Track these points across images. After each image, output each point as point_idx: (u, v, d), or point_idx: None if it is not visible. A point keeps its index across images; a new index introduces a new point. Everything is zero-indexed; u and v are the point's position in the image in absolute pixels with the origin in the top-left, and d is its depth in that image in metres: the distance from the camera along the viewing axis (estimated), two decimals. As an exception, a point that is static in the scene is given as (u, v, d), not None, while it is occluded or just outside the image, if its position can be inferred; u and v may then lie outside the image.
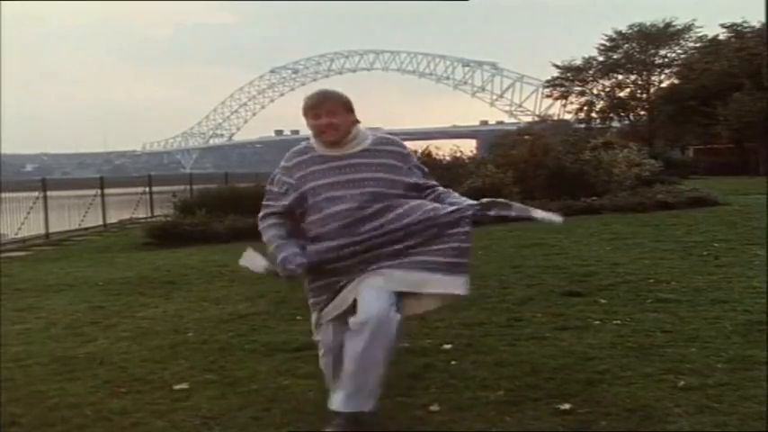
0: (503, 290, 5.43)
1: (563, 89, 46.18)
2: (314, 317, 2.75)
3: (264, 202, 2.73)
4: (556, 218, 2.77)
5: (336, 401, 2.58)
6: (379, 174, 2.58)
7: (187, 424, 2.91)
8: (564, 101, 48.02)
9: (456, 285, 2.65)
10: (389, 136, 2.74)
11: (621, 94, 44.05)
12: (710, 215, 10.70)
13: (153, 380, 3.52)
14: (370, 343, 2.47)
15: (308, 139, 2.76)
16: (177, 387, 3.37)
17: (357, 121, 2.67)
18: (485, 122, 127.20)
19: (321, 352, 2.79)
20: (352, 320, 2.52)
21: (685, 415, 2.78)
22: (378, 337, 2.47)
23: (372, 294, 2.52)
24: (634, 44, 42.82)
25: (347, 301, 2.60)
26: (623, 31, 42.75)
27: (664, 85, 42.60)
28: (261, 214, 2.74)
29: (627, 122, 43.84)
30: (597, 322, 4.30)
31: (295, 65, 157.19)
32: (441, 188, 2.78)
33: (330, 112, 2.60)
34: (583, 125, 41.95)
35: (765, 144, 30.14)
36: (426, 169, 2.79)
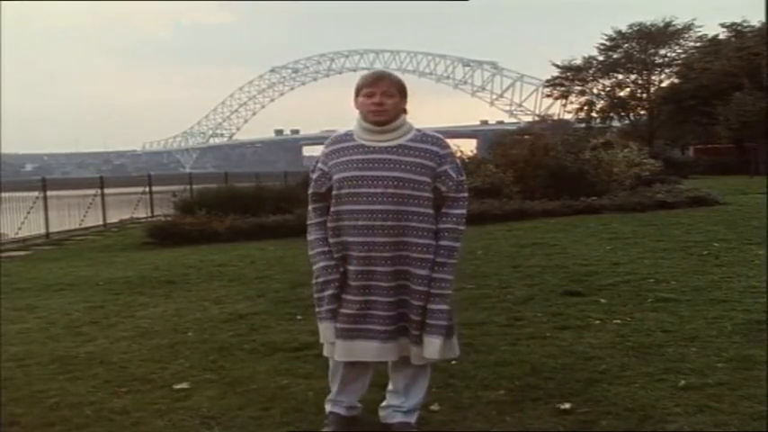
0: (503, 289, 5.43)
1: (563, 89, 46.10)
2: (322, 329, 2.63)
3: (309, 191, 2.68)
4: None
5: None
6: (406, 174, 2.47)
7: (187, 423, 2.92)
8: (564, 100, 47.96)
9: (453, 349, 2.66)
10: (433, 134, 2.60)
11: (621, 94, 43.98)
12: (710, 215, 10.69)
13: (153, 379, 3.52)
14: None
15: (347, 131, 2.65)
16: (177, 387, 3.38)
17: (406, 111, 2.59)
18: (485, 122, 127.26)
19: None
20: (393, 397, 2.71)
21: (685, 414, 2.78)
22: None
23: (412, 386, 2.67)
24: (634, 44, 42.75)
25: (366, 355, 2.54)
26: (623, 31, 42.69)
27: (664, 84, 42.54)
28: (309, 209, 2.69)
29: (627, 122, 43.78)
30: (597, 322, 4.30)
31: (295, 64, 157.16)
32: (448, 221, 2.58)
33: (386, 92, 2.52)
34: (583, 125, 41.89)
35: (765, 144, 30.11)
36: (462, 177, 2.59)
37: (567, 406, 2.91)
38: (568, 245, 7.96)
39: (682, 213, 11.06)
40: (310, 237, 2.64)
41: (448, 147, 2.59)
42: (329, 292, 2.55)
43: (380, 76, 2.58)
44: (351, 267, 2.51)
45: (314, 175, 2.64)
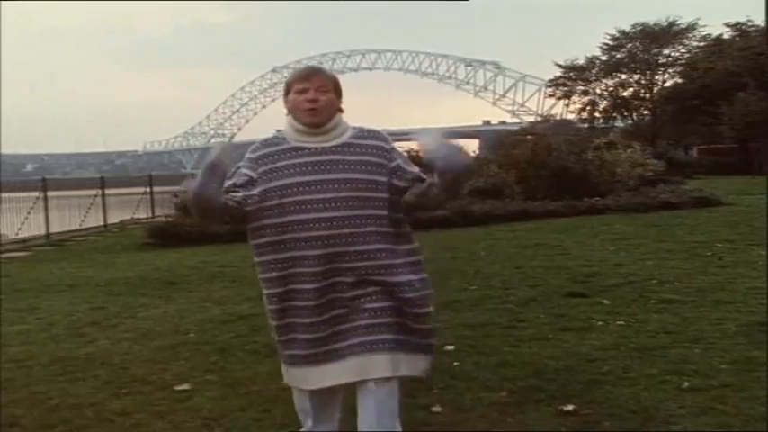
0: (505, 290, 5.42)
1: (566, 89, 45.99)
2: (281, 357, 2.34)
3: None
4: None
5: None
6: (358, 174, 2.20)
7: (188, 425, 2.92)
8: (567, 100, 47.86)
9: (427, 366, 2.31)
10: (371, 128, 2.36)
11: (625, 94, 43.86)
12: (714, 215, 10.66)
13: (154, 380, 3.52)
14: None
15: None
16: (178, 388, 3.38)
17: (342, 110, 2.33)
18: (487, 122, 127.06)
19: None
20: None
21: (689, 416, 2.77)
22: None
23: (377, 410, 2.18)
24: (637, 43, 42.62)
25: (324, 380, 2.23)
26: (626, 31, 42.58)
27: (667, 84, 42.40)
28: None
29: (630, 122, 43.66)
30: (600, 323, 4.28)
31: (297, 64, 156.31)
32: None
33: (320, 88, 2.24)
34: (586, 125, 41.76)
35: (769, 144, 30.05)
36: (410, 167, 2.32)
37: (570, 407, 2.90)
38: (571, 246, 7.94)
39: (685, 214, 11.03)
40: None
41: (390, 141, 2.34)
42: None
43: (313, 70, 2.32)
44: (310, 285, 2.18)
45: (229, 182, 2.20)
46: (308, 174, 2.19)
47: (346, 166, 2.21)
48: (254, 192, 2.20)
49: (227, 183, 2.20)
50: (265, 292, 2.30)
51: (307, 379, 2.27)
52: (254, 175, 2.23)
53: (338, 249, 2.17)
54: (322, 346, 2.21)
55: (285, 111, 2.32)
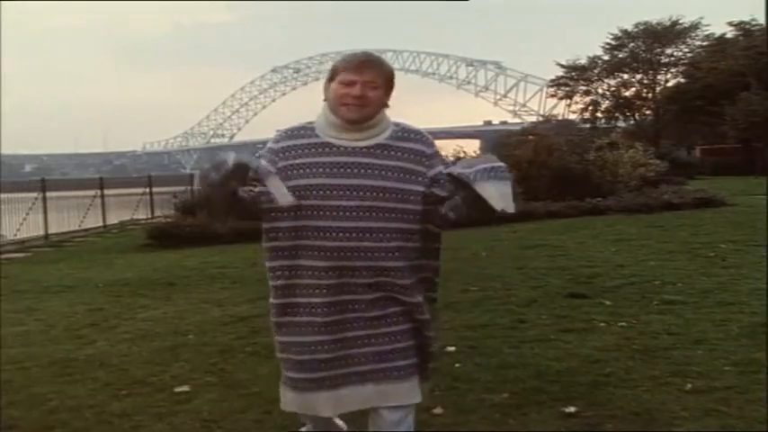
0: (506, 291, 5.40)
1: (567, 89, 46.00)
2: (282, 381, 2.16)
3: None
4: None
5: None
6: (389, 182, 1.95)
7: (188, 427, 2.91)
8: (568, 100, 47.86)
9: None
10: (413, 128, 2.09)
11: (627, 94, 43.86)
12: (717, 216, 10.63)
13: (153, 382, 3.51)
14: None
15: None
16: (178, 389, 3.36)
17: (387, 105, 2.06)
18: (488, 122, 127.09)
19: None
20: None
21: (692, 418, 2.76)
22: None
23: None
24: (640, 43, 42.62)
25: (337, 407, 2.07)
26: (629, 30, 42.58)
27: (670, 84, 42.39)
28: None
29: (632, 122, 43.65)
30: (602, 324, 4.26)
31: (297, 64, 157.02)
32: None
33: (369, 83, 1.97)
34: (588, 125, 41.75)
35: (772, 144, 30.01)
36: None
37: (572, 409, 2.89)
38: (573, 246, 7.92)
39: (688, 214, 11.01)
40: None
41: (434, 144, 2.10)
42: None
43: (368, 60, 1.99)
44: (319, 299, 1.98)
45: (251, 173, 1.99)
46: (332, 176, 1.95)
47: (376, 172, 1.96)
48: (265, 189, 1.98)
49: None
50: (271, 301, 2.11)
51: (315, 405, 2.06)
52: (273, 169, 1.98)
53: (354, 264, 1.95)
54: (333, 368, 2.01)
55: (323, 97, 2.05)
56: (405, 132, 2.05)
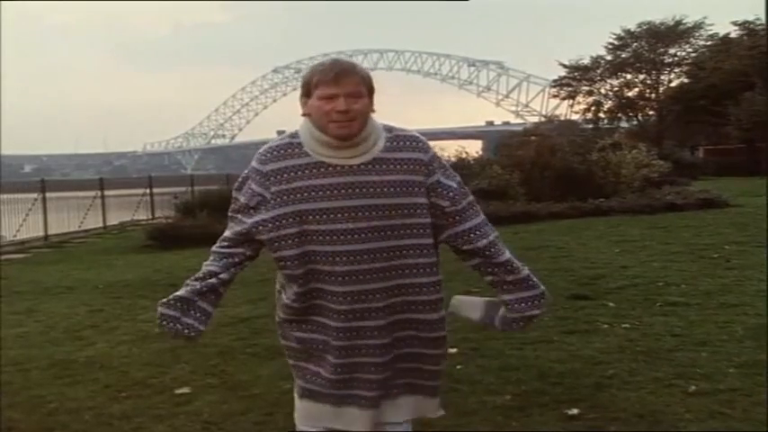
0: (509, 292, 5.36)
1: (570, 89, 45.94)
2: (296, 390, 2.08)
3: (230, 214, 2.00)
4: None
5: None
6: (394, 199, 1.87)
7: (188, 429, 2.90)
8: (571, 101, 47.76)
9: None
10: (407, 134, 1.95)
11: (630, 94, 43.79)
12: (721, 217, 10.59)
13: (154, 384, 3.50)
14: None
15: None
16: (178, 391, 3.36)
17: (373, 110, 1.94)
18: (490, 123, 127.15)
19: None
20: None
21: (696, 421, 2.75)
22: None
23: None
24: (643, 43, 42.53)
25: (348, 425, 1.98)
26: (632, 30, 42.51)
27: (673, 84, 42.31)
28: (226, 232, 2.01)
29: (635, 123, 43.59)
30: (605, 326, 4.25)
31: (298, 64, 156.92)
32: (478, 236, 1.99)
33: (352, 94, 1.84)
34: (590, 125, 41.71)
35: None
36: (456, 177, 2.01)
37: (575, 411, 2.88)
38: (576, 248, 7.90)
39: (691, 215, 10.97)
40: (205, 267, 2.00)
41: (430, 148, 1.97)
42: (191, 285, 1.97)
43: (344, 70, 1.85)
44: (334, 323, 1.92)
45: (242, 198, 1.93)
46: (333, 198, 1.84)
47: (379, 190, 1.86)
48: (268, 216, 1.88)
49: (241, 199, 1.93)
50: (284, 317, 2.05)
51: (321, 416, 2.00)
52: (266, 194, 1.87)
53: (368, 287, 1.87)
54: (344, 389, 1.95)
55: (302, 112, 1.93)
56: (398, 141, 1.93)
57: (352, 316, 1.89)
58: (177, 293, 1.95)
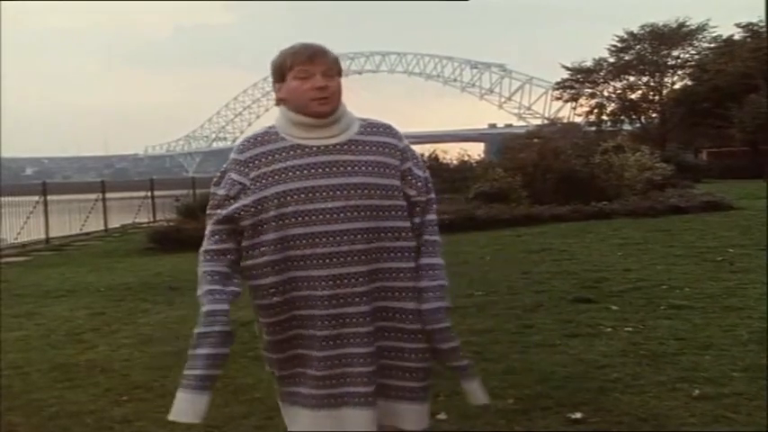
0: (511, 296, 5.36)
1: (573, 91, 45.92)
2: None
3: (208, 211, 1.95)
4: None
5: None
6: (372, 178, 1.85)
7: (189, 433, 2.87)
8: (574, 103, 47.80)
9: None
10: (380, 121, 1.98)
11: (633, 96, 43.75)
12: (724, 220, 10.56)
13: (155, 387, 3.49)
14: None
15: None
16: (179, 395, 3.33)
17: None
18: (493, 125, 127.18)
19: None
20: None
21: (700, 425, 2.73)
22: None
23: None
24: (646, 45, 42.50)
25: (342, 426, 1.85)
26: (635, 32, 42.46)
27: (676, 86, 42.27)
28: (207, 231, 1.95)
29: (638, 125, 43.53)
30: (608, 329, 4.23)
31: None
32: (426, 231, 1.94)
33: (327, 72, 1.86)
34: (593, 128, 41.66)
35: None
36: (426, 173, 2.01)
37: (578, 415, 2.86)
38: (578, 251, 7.88)
39: (695, 218, 10.94)
40: (200, 269, 1.92)
41: (403, 138, 1.98)
42: (205, 350, 1.83)
43: (317, 50, 1.88)
44: (318, 311, 1.83)
45: (222, 191, 1.89)
46: (311, 177, 1.82)
47: (357, 168, 1.84)
48: (248, 201, 1.84)
49: (219, 193, 1.90)
50: (263, 320, 1.94)
51: (317, 422, 1.87)
52: (246, 181, 1.85)
53: (349, 270, 1.81)
54: (336, 386, 1.84)
55: (276, 98, 1.94)
56: (372, 127, 1.94)
57: (336, 302, 1.81)
58: (195, 372, 1.84)
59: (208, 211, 1.95)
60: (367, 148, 1.89)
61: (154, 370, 3.80)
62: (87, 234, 14.65)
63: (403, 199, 1.90)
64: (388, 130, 1.96)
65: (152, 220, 17.22)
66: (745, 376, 3.23)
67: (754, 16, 36.38)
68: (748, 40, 35.44)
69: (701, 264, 6.57)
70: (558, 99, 50.69)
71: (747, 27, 36.24)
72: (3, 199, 12.65)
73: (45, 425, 3.04)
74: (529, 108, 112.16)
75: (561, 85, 46.98)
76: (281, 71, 1.89)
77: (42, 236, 13.21)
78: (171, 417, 1.88)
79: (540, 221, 11.25)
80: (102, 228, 15.58)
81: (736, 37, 37.02)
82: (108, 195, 16.17)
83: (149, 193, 18.21)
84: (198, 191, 17.84)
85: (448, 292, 1.94)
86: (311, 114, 1.86)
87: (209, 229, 1.94)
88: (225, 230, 1.90)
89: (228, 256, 1.91)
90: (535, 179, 13.51)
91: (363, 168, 1.85)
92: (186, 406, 1.85)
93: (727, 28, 52.76)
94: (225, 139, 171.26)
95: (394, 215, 1.87)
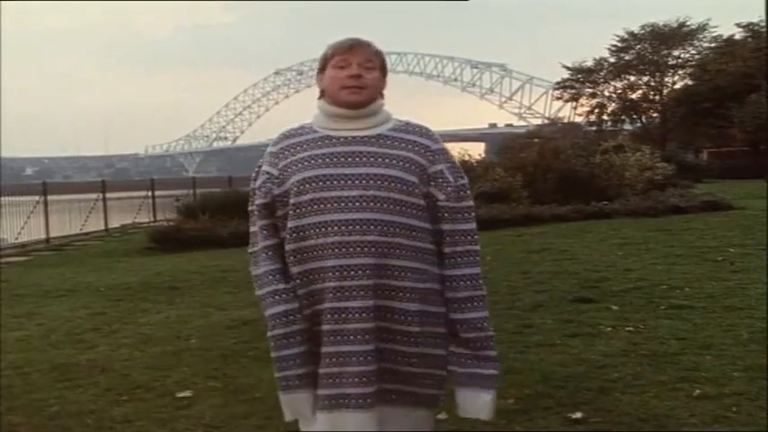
0: (512, 296, 5.36)
1: (573, 91, 45.91)
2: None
3: (249, 208, 1.93)
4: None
5: None
6: (392, 170, 1.80)
7: (189, 432, 2.87)
8: (574, 103, 47.79)
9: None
10: (420, 123, 1.95)
11: (633, 96, 43.75)
12: (725, 219, 10.55)
13: (155, 387, 3.49)
14: None
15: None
16: (180, 395, 3.35)
17: (383, 96, 1.95)
18: (493, 125, 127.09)
19: None
20: None
21: (701, 425, 2.73)
22: None
23: None
24: (646, 45, 42.48)
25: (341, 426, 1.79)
26: (635, 32, 42.45)
27: (677, 86, 42.27)
28: (251, 230, 1.91)
29: (639, 125, 43.52)
30: (609, 329, 4.22)
31: (300, 66, 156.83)
32: (462, 240, 1.87)
33: (364, 63, 1.86)
34: (594, 128, 41.63)
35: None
36: (462, 180, 1.90)
37: (579, 415, 2.86)
38: (579, 250, 7.87)
39: (695, 218, 10.93)
40: (258, 269, 1.86)
41: (440, 141, 1.92)
42: (293, 350, 1.80)
43: (359, 41, 1.89)
44: (325, 305, 1.78)
45: (256, 183, 1.89)
46: (329, 166, 1.80)
47: (379, 160, 1.80)
48: (278, 191, 1.84)
49: (255, 186, 1.89)
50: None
51: (319, 423, 1.82)
52: (274, 171, 1.86)
53: (357, 261, 1.75)
54: (333, 386, 1.77)
55: (318, 92, 1.93)
56: (409, 126, 1.91)
57: (341, 294, 1.76)
58: (291, 372, 1.82)
59: (249, 208, 1.92)
60: (396, 143, 1.85)
61: (154, 370, 3.80)
62: (87, 234, 14.62)
63: (423, 199, 1.83)
64: (423, 130, 1.91)
65: (152, 219, 17.20)
66: (746, 376, 3.23)
67: (755, 16, 36.39)
68: (749, 39, 35.42)
69: (702, 264, 6.56)
70: (558, 99, 50.72)
71: (748, 27, 36.23)
72: (3, 199, 12.60)
73: (45, 425, 3.04)
74: (529, 108, 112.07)
75: (562, 85, 46.96)
76: (323, 62, 1.90)
77: (42, 236, 13.19)
78: (288, 418, 1.89)
79: (541, 221, 11.24)
80: (103, 228, 15.56)
81: (737, 37, 37.02)
82: (108, 195, 16.14)
83: (150, 193, 18.18)
84: (198, 191, 17.85)
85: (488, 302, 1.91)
86: (342, 104, 1.85)
87: (254, 226, 1.91)
88: (270, 225, 1.87)
89: (281, 252, 1.85)
90: (535, 179, 13.49)
91: (387, 161, 1.81)
92: (296, 406, 1.85)
93: (727, 28, 52.85)
94: (225, 138, 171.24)
95: (411, 212, 1.81)
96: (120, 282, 7.21)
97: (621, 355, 3.67)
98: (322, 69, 1.91)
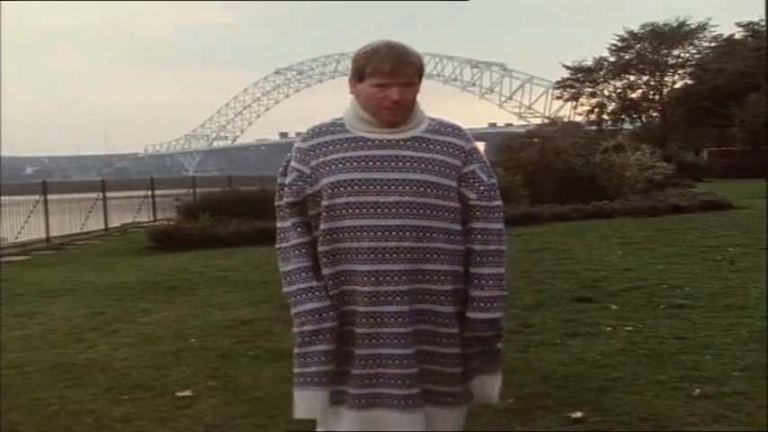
0: (511, 295, 5.27)
1: (573, 90, 45.88)
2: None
3: (276, 203, 1.92)
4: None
5: None
6: (429, 176, 1.80)
7: (190, 432, 2.87)
8: (574, 102, 47.76)
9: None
10: (451, 122, 1.93)
11: (633, 96, 43.74)
12: (725, 219, 10.57)
13: (155, 387, 3.48)
14: None
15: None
16: (180, 394, 3.34)
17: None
18: (493, 125, 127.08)
19: None
20: None
21: (701, 424, 2.73)
22: None
23: None
24: (646, 44, 42.46)
25: (386, 427, 1.81)
26: (635, 31, 42.43)
27: (677, 86, 42.25)
28: (279, 226, 1.91)
29: (639, 124, 43.51)
30: (609, 328, 4.22)
31: (300, 66, 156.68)
32: (493, 240, 1.88)
33: (406, 84, 1.81)
34: (594, 127, 41.58)
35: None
36: (493, 179, 1.92)
37: (579, 415, 2.86)
38: (579, 250, 7.87)
39: (695, 218, 10.95)
40: (288, 266, 1.87)
41: (472, 140, 1.93)
42: (320, 347, 1.82)
43: (400, 61, 1.80)
44: (359, 308, 1.81)
45: (286, 179, 1.88)
46: (365, 170, 1.79)
47: (415, 165, 1.80)
48: (311, 191, 1.83)
49: (285, 182, 1.88)
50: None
51: (353, 423, 1.83)
52: (306, 169, 1.84)
53: (393, 267, 1.77)
54: (369, 387, 1.81)
55: (349, 91, 1.90)
56: (442, 126, 1.90)
57: (376, 299, 1.78)
58: (311, 369, 1.83)
59: (276, 203, 1.92)
60: (431, 146, 1.84)
61: (154, 369, 3.79)
62: (88, 233, 14.60)
63: (457, 201, 1.85)
64: (456, 130, 1.91)
65: (152, 219, 17.18)
66: (746, 375, 3.23)
67: (755, 15, 36.37)
68: (749, 39, 35.42)
69: (702, 263, 6.57)
70: (558, 98, 50.67)
71: (748, 26, 36.24)
72: (3, 198, 12.57)
73: (45, 424, 3.03)
74: (529, 107, 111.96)
75: (562, 85, 46.94)
76: (360, 72, 1.84)
77: (43, 235, 13.17)
78: (298, 415, 1.87)
79: (541, 220, 11.25)
80: (103, 227, 15.53)
81: (737, 36, 37.02)
82: (108, 194, 16.10)
83: (150, 193, 18.15)
84: (198, 190, 17.84)
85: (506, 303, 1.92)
86: (382, 123, 1.84)
87: (283, 223, 1.90)
88: (302, 223, 1.87)
89: (312, 250, 1.87)
90: (535, 178, 13.50)
91: (423, 166, 1.81)
92: (309, 403, 1.84)
93: (727, 27, 52.87)
94: (225, 138, 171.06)
95: (447, 216, 1.83)
96: (120, 281, 7.21)
97: (621, 354, 3.67)
98: (358, 78, 1.85)
